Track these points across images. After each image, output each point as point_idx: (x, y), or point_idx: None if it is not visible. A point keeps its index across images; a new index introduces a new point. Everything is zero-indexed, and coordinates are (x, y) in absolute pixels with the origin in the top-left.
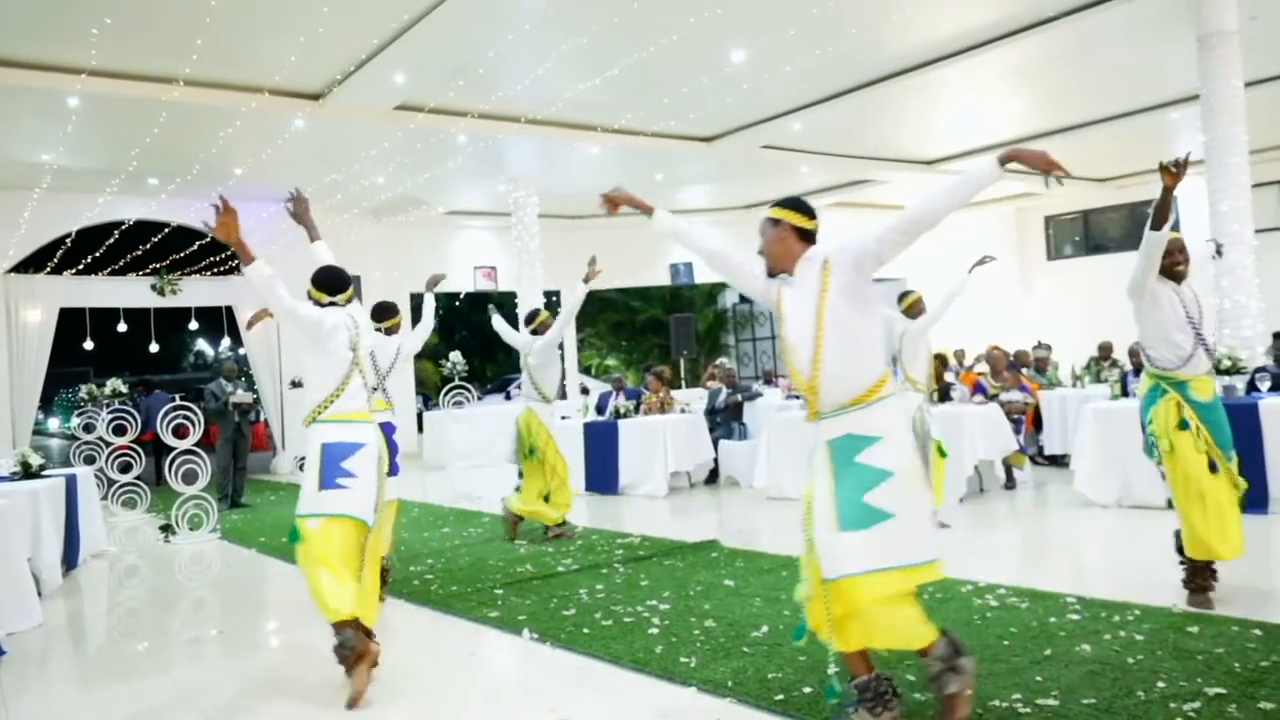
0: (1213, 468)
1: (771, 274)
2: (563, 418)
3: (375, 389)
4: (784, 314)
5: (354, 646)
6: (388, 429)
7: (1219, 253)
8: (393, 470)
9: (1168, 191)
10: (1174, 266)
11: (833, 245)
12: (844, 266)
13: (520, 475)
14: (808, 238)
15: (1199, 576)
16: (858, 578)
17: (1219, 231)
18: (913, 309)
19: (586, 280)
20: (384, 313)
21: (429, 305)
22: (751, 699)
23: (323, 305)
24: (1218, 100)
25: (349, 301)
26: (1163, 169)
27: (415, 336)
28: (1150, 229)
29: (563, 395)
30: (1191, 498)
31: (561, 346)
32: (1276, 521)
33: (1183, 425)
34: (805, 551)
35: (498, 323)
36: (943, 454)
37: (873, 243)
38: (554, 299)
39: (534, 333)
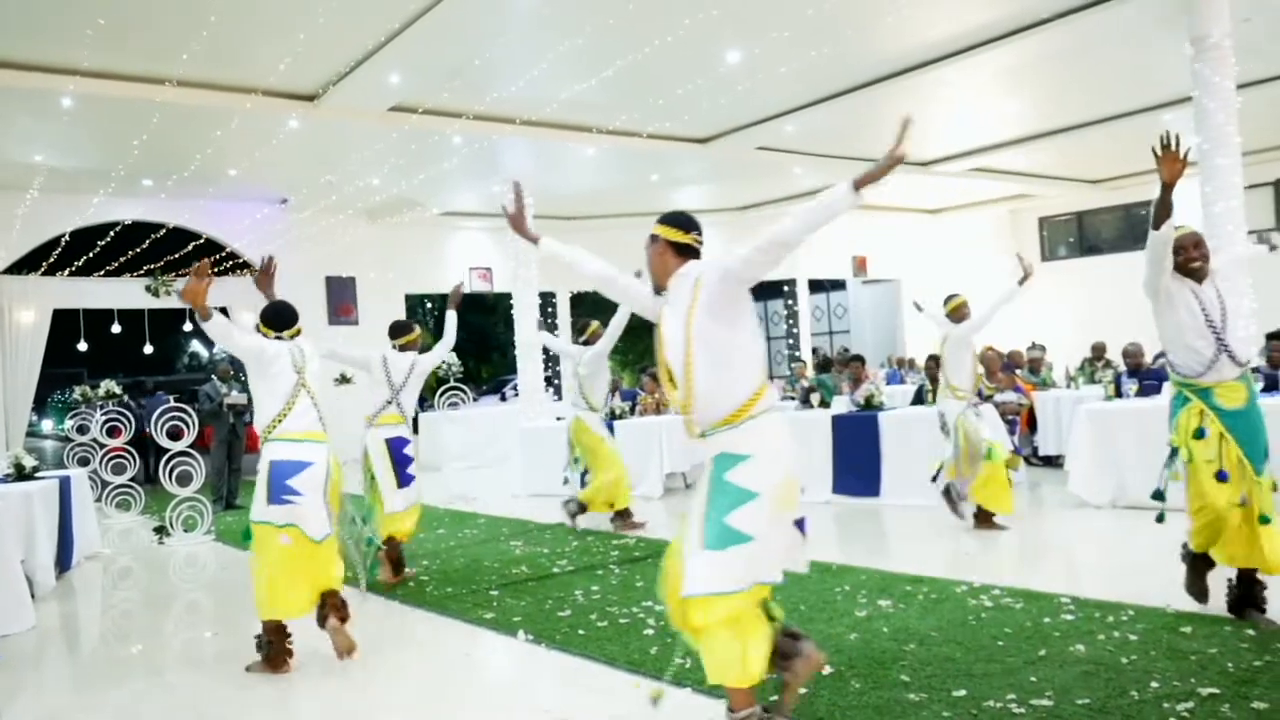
0: (1221, 477)
1: (657, 291)
2: (558, 418)
3: (389, 403)
4: (661, 332)
5: (268, 652)
6: (399, 443)
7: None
8: (404, 481)
9: (1167, 188)
10: (1188, 264)
11: (707, 261)
12: (711, 283)
13: (566, 483)
14: (684, 252)
15: (1197, 564)
16: (700, 598)
17: (1211, 233)
18: (956, 313)
19: None
20: (399, 331)
21: (451, 322)
22: None
23: (269, 339)
24: (1211, 102)
25: (295, 335)
26: (1159, 157)
27: (434, 353)
28: (1151, 229)
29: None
30: (1202, 508)
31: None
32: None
33: (1198, 434)
34: (667, 558)
35: (546, 338)
36: (990, 457)
37: (737, 262)
38: (549, 300)
39: (585, 343)
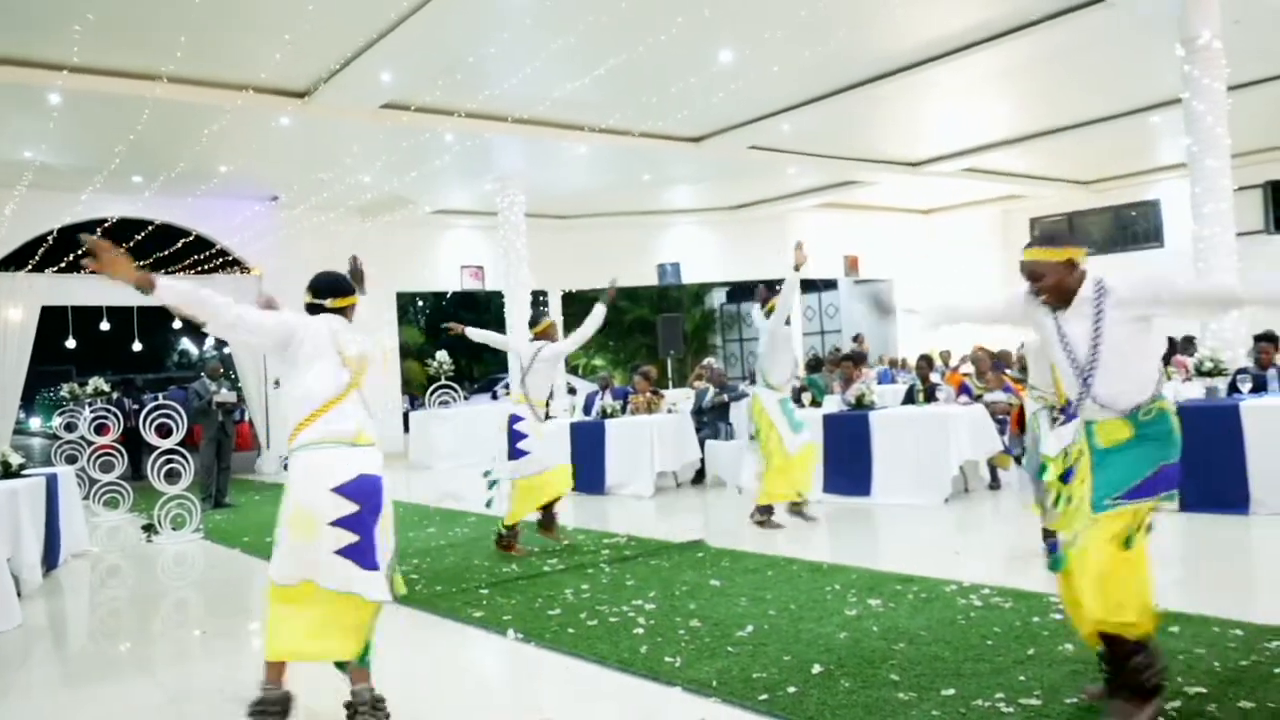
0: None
1: None
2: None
3: (520, 385)
4: None
5: None
6: (513, 419)
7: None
8: (512, 454)
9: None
10: (1038, 294)
11: None
12: None
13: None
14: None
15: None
16: None
17: (1202, 234)
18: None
19: (796, 267)
20: (531, 323)
21: (594, 314)
22: (736, 699)
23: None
24: (1201, 104)
25: (341, 309)
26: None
27: (563, 341)
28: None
29: (796, 392)
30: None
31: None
32: (1256, 523)
33: (1063, 476)
34: None
35: (756, 315)
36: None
37: None
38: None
39: (766, 317)
